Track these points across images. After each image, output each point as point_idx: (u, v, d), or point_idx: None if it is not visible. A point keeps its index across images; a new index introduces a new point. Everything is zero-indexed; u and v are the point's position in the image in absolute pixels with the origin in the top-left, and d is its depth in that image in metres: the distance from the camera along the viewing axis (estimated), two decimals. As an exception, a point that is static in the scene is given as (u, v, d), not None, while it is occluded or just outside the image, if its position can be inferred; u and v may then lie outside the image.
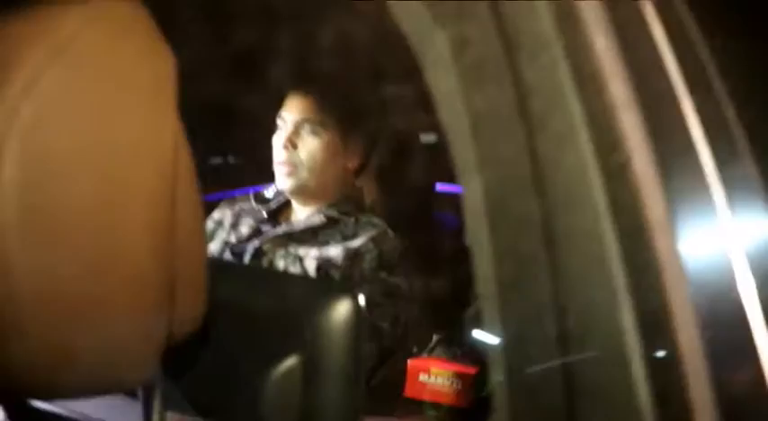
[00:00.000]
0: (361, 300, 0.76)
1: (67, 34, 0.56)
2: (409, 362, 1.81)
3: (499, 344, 0.68)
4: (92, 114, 0.57)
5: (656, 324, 0.66)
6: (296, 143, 2.00)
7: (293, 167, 1.99)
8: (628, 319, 0.65)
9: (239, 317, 0.76)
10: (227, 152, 2.95)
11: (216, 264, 0.71)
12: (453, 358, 1.86)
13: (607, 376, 0.65)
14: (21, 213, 0.54)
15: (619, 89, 0.69)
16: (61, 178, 0.55)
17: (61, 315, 0.57)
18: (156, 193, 0.60)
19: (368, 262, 1.96)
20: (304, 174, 2.00)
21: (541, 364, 0.66)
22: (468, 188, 0.68)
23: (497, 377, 0.67)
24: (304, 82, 2.08)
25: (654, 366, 0.66)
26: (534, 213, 0.67)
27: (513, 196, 0.68)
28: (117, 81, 0.58)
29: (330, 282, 1.72)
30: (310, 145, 2.00)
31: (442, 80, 0.68)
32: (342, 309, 0.74)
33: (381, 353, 1.91)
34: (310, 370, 0.73)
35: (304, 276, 1.79)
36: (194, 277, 0.66)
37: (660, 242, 0.68)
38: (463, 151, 0.68)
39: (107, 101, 0.58)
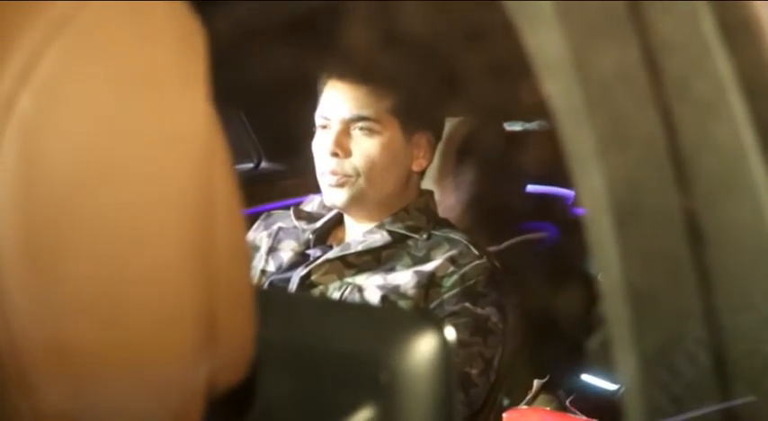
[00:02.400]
0: (450, 333, 0.76)
1: (70, 3, 0.56)
2: (505, 416, 1.80)
3: (636, 382, 0.67)
4: (103, 105, 0.57)
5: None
6: (347, 148, 1.99)
7: (345, 178, 1.99)
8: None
9: (295, 360, 0.76)
10: (259, 155, 2.97)
11: (263, 294, 0.72)
12: (561, 408, 1.86)
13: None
14: (21, 237, 0.54)
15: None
16: (70, 189, 0.56)
17: (73, 364, 0.58)
18: (188, 205, 0.60)
19: (447, 289, 1.95)
20: (361, 184, 1.99)
21: (695, 405, 0.65)
22: (586, 180, 0.68)
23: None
24: (351, 66, 2.05)
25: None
26: (675, 206, 0.67)
27: (647, 186, 0.67)
28: (133, 61, 0.59)
29: (407, 311, 1.72)
30: (367, 148, 1.99)
31: (547, 40, 0.68)
32: (426, 346, 0.74)
33: (470, 407, 1.90)
34: (388, 424, 0.73)
35: (373, 306, 1.79)
36: (240, 309, 0.66)
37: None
38: (577, 132, 0.68)
39: (122, 87, 0.58)
